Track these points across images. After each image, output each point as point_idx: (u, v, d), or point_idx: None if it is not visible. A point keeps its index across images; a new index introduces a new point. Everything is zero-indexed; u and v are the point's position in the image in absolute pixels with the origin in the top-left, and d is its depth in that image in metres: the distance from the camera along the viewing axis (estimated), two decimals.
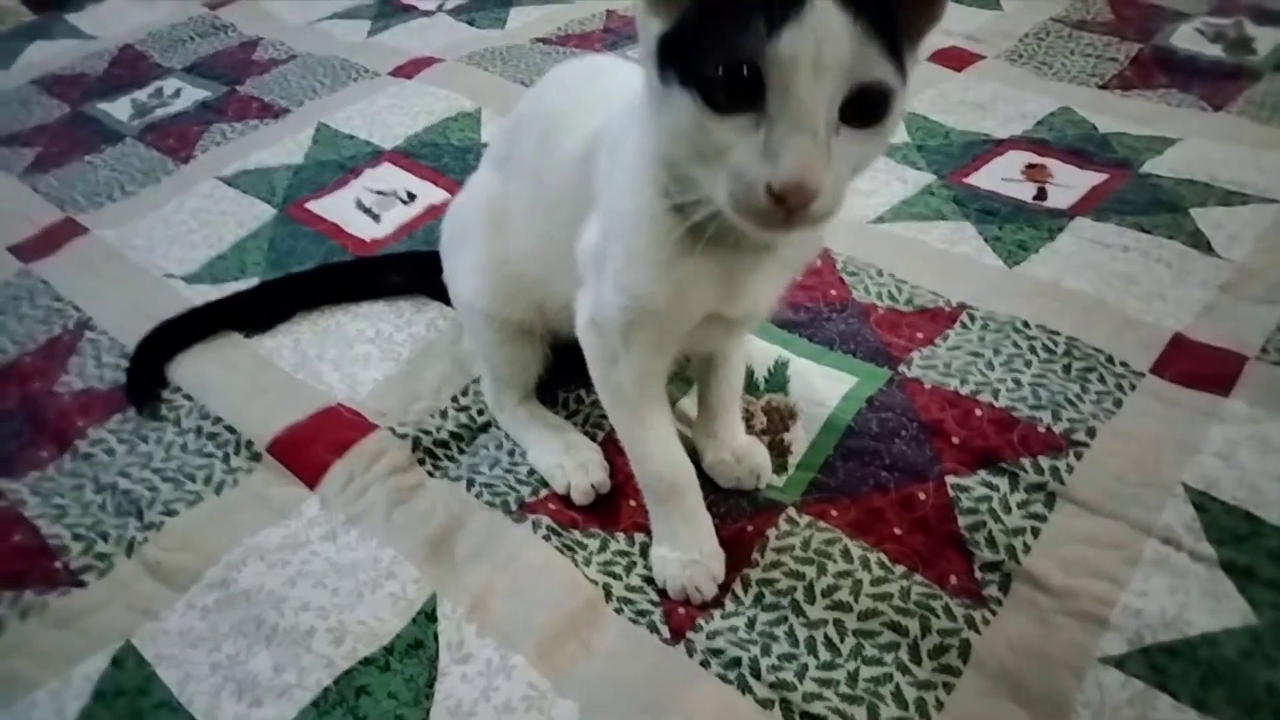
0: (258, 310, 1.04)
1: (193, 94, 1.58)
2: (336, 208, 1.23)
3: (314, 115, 1.46)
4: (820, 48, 0.47)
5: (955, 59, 1.58)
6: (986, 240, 1.13)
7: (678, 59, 0.51)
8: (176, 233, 1.22)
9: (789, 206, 0.49)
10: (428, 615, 0.73)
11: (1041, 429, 0.85)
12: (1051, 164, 1.30)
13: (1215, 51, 1.57)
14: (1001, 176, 1.28)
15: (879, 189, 1.25)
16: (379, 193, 1.26)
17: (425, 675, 0.69)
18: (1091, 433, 0.84)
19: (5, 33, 1.84)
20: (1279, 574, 0.72)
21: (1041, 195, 1.23)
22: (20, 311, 1.09)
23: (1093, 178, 1.26)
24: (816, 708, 0.66)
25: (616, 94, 0.68)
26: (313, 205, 1.24)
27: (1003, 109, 1.45)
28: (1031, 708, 0.65)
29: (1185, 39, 1.61)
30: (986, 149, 1.34)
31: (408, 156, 1.33)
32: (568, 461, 0.83)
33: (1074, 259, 1.09)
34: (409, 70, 1.57)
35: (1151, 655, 0.68)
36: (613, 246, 0.65)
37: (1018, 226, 1.15)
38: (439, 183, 1.27)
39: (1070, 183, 1.26)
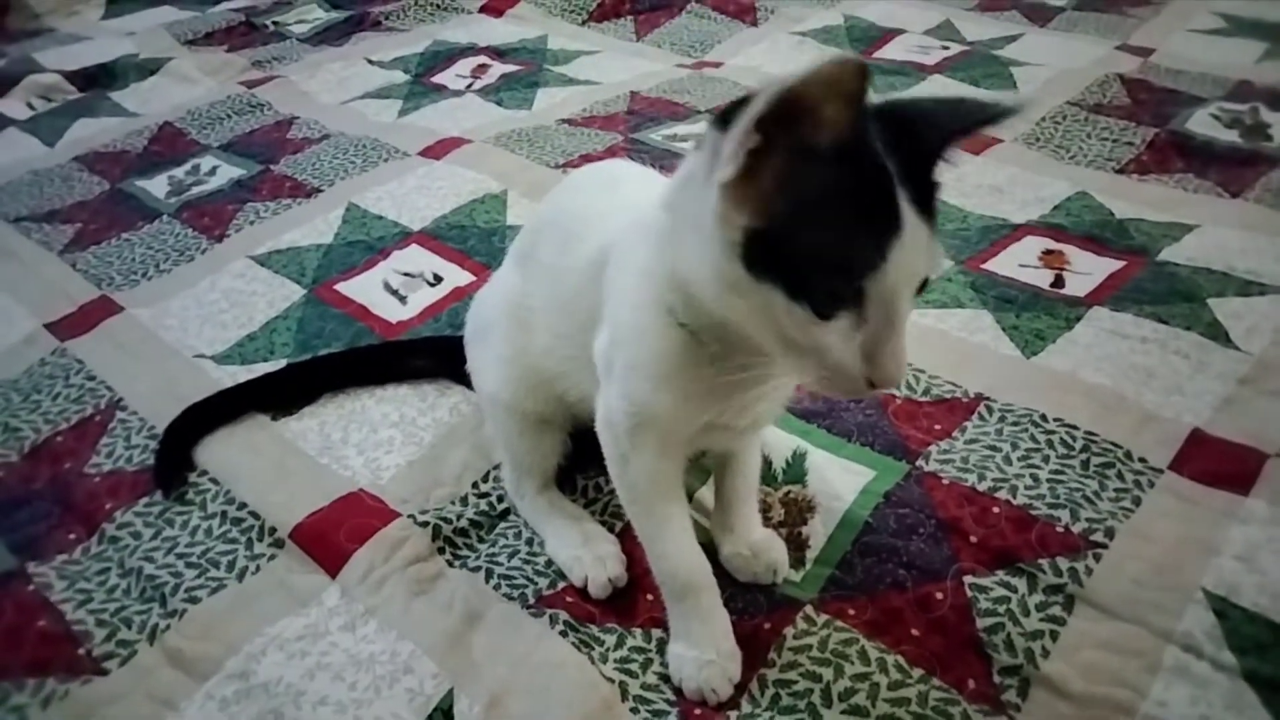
0: (285, 392, 1.07)
1: (228, 172, 1.62)
2: (364, 289, 1.26)
3: (345, 195, 1.50)
4: (915, 264, 0.53)
5: (973, 143, 1.61)
6: (1004, 329, 1.14)
7: (769, 258, 0.54)
8: (209, 312, 1.25)
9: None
10: (444, 712, 0.74)
11: (1060, 528, 0.85)
12: (1069, 250, 1.32)
13: (1232, 137, 1.59)
14: (1019, 263, 1.29)
15: None
16: (406, 274, 1.29)
17: None
18: (1110, 533, 0.84)
19: (54, 110, 1.91)
20: None
21: (1059, 282, 1.25)
22: (55, 390, 1.12)
23: (1110, 265, 1.27)
24: None
25: (631, 205, 0.71)
26: (341, 286, 1.27)
27: (1020, 193, 1.47)
28: None
29: (1201, 124, 1.63)
30: (1004, 234, 1.36)
31: (435, 238, 1.36)
32: (585, 554, 0.84)
33: (1092, 350, 1.09)
34: (438, 151, 1.61)
35: None
36: (618, 354, 0.67)
37: (1035, 315, 1.16)
38: (465, 265, 1.30)
39: (1087, 269, 1.27)
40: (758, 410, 0.71)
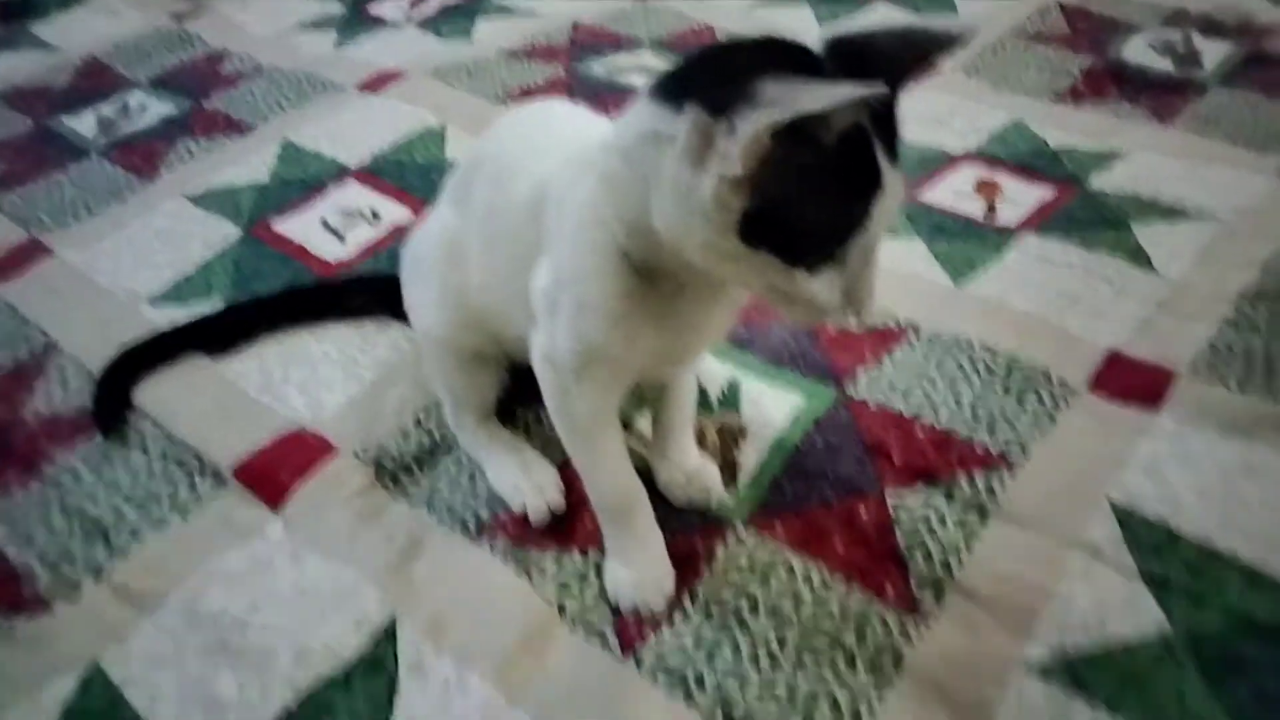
0: (223, 333, 1.07)
1: (159, 109, 1.59)
2: (302, 228, 1.26)
3: (280, 131, 1.48)
4: (893, 210, 0.58)
5: None
6: (936, 257, 1.17)
7: (763, 231, 0.56)
8: (142, 253, 1.24)
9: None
10: (388, 634, 0.76)
11: (979, 448, 0.89)
12: (1003, 179, 1.34)
13: (1165, 65, 1.61)
14: (954, 191, 1.32)
15: None
16: (345, 212, 1.28)
17: (385, 693, 0.72)
18: (1025, 450, 0.88)
19: None
20: (1194, 584, 0.76)
21: (991, 212, 1.27)
22: None
23: (1042, 193, 1.30)
24: (757, 719, 0.69)
25: (565, 142, 0.72)
26: (278, 226, 1.26)
27: (959, 123, 1.48)
28: (958, 714, 0.69)
29: (1136, 52, 1.65)
30: (941, 164, 1.38)
31: (373, 175, 1.35)
32: (524, 482, 0.86)
33: (1020, 277, 1.13)
34: (376, 84, 1.59)
35: (1072, 664, 0.72)
36: (564, 295, 0.68)
37: (967, 243, 1.19)
38: (404, 201, 1.30)
39: (1019, 199, 1.29)
40: (704, 338, 0.73)
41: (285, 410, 0.98)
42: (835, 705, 0.70)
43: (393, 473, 0.91)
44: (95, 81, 1.69)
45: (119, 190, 1.38)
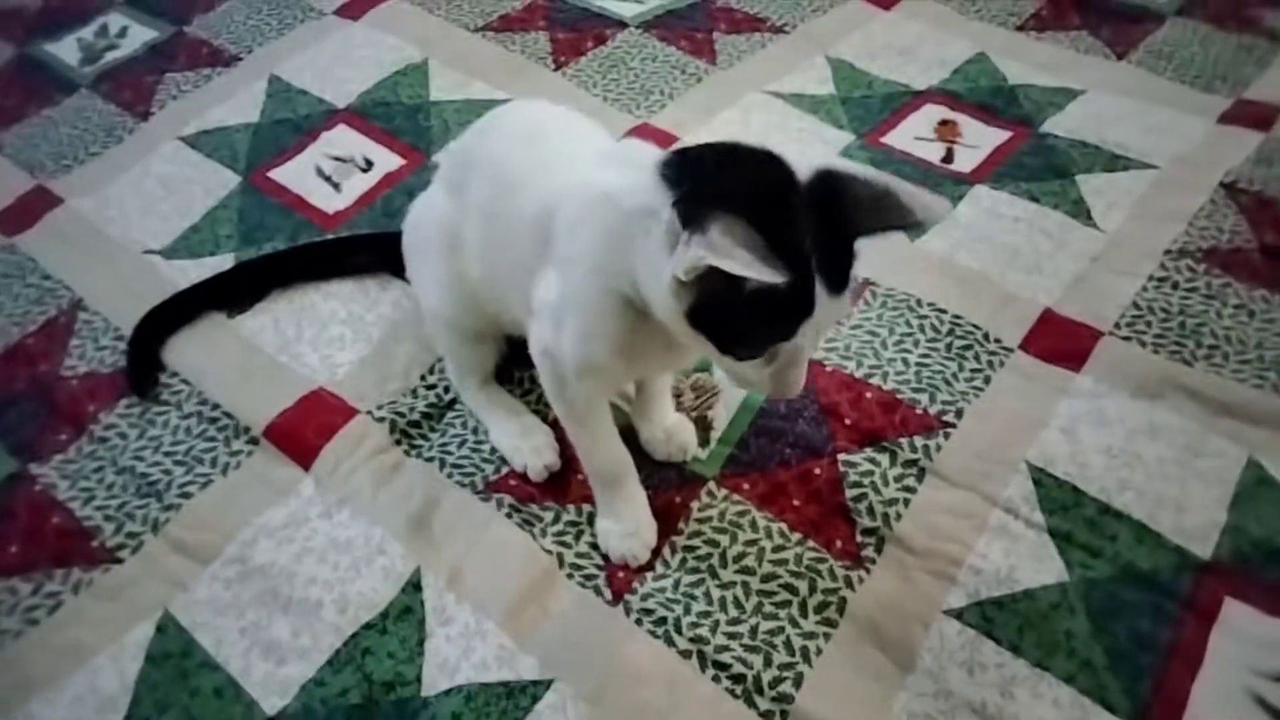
0: (238, 291, 1.16)
1: (140, 33, 1.60)
2: (299, 176, 1.32)
3: (265, 65, 1.51)
4: (823, 330, 0.68)
5: None
6: None
7: (704, 319, 0.67)
8: (147, 202, 1.30)
9: None
10: (414, 585, 0.90)
11: (919, 410, 1.02)
12: (962, 120, 1.42)
13: None
14: (915, 135, 1.40)
15: (804, 150, 1.36)
16: (337, 159, 1.34)
17: (416, 636, 0.87)
18: (960, 413, 1.01)
19: None
20: (1091, 538, 0.91)
21: (949, 157, 1.36)
22: (14, 290, 1.19)
23: (997, 136, 1.39)
24: (725, 657, 0.84)
25: (564, 161, 0.81)
26: (275, 174, 1.33)
27: (925, 53, 1.55)
28: (889, 652, 0.85)
29: None
30: (905, 101, 1.45)
31: (361, 117, 1.41)
32: (524, 444, 0.99)
33: (969, 231, 1.23)
34: (354, 9, 1.61)
35: (984, 608, 0.87)
36: (569, 317, 0.78)
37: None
38: (394, 147, 1.36)
39: (976, 142, 1.38)
40: (691, 357, 0.85)
41: (302, 370, 1.09)
42: (789, 645, 0.85)
43: (405, 430, 1.03)
44: (69, 1, 1.68)
45: (114, 129, 1.42)
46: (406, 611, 0.88)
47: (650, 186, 0.68)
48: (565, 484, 0.98)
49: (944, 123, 1.42)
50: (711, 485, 0.97)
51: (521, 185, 0.84)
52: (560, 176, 0.81)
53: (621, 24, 1.58)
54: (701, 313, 0.67)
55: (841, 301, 0.67)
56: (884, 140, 1.38)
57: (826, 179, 0.67)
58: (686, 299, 0.66)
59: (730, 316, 0.66)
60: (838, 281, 0.66)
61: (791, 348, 0.68)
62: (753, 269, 0.59)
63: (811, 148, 1.36)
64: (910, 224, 0.68)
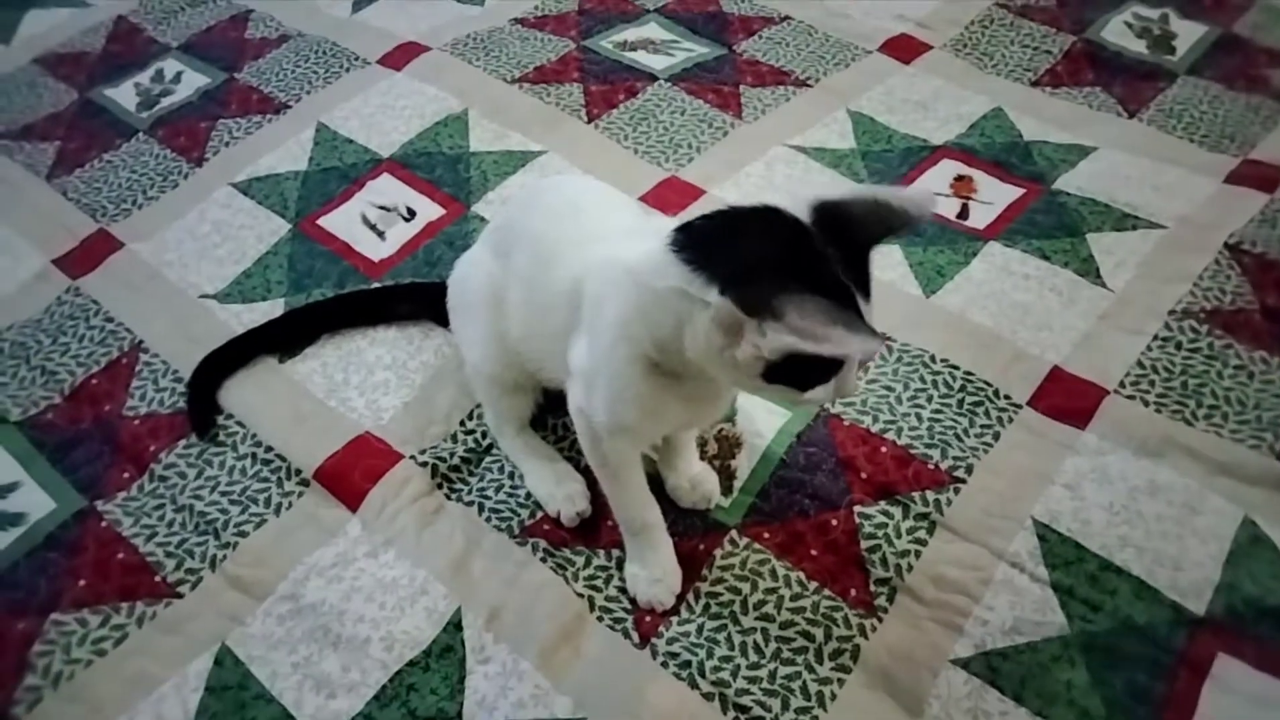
0: (289, 335, 1.23)
1: (193, 79, 1.69)
2: (345, 225, 1.39)
3: (312, 113, 1.59)
4: None
5: (905, 49, 1.73)
6: (911, 266, 1.32)
7: (777, 373, 0.73)
8: (203, 246, 1.38)
9: None
10: (455, 625, 0.97)
11: (931, 465, 1.08)
12: (977, 176, 1.48)
13: (1140, 48, 1.72)
14: (933, 190, 1.46)
15: (790, 192, 1.42)
16: (382, 208, 1.42)
17: (457, 674, 0.93)
18: (970, 469, 1.07)
19: None
20: (1092, 593, 0.96)
21: (964, 213, 1.42)
22: (78, 332, 1.27)
23: (1010, 193, 1.45)
24: (745, 700, 0.90)
25: (595, 238, 0.88)
26: (324, 221, 1.40)
27: (943, 108, 1.61)
28: (899, 698, 0.90)
29: (1115, 32, 1.75)
30: (923, 157, 1.51)
31: (404, 167, 1.48)
32: (558, 492, 1.05)
33: (982, 288, 1.28)
34: (397, 59, 1.69)
35: (989, 658, 0.93)
36: (600, 382, 0.85)
37: (940, 249, 1.34)
38: (435, 197, 1.43)
39: (991, 198, 1.44)
40: (719, 406, 0.92)
41: (350, 414, 1.16)
42: (805, 690, 0.91)
43: (445, 474, 1.10)
44: (128, 46, 1.77)
45: (169, 173, 1.50)
46: (448, 650, 0.95)
47: (674, 271, 0.75)
48: (597, 529, 1.04)
49: (959, 178, 1.48)
50: (734, 533, 1.03)
51: (556, 259, 0.91)
52: (589, 251, 0.88)
53: (652, 77, 1.65)
54: (777, 370, 0.73)
55: (872, 304, 0.75)
56: None
57: (825, 210, 0.75)
58: (761, 365, 0.73)
59: (805, 363, 0.72)
60: (867, 290, 0.75)
61: (850, 367, 0.76)
62: (842, 343, 0.67)
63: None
64: (909, 223, 0.77)
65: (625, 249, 0.82)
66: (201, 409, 1.16)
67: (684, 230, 0.78)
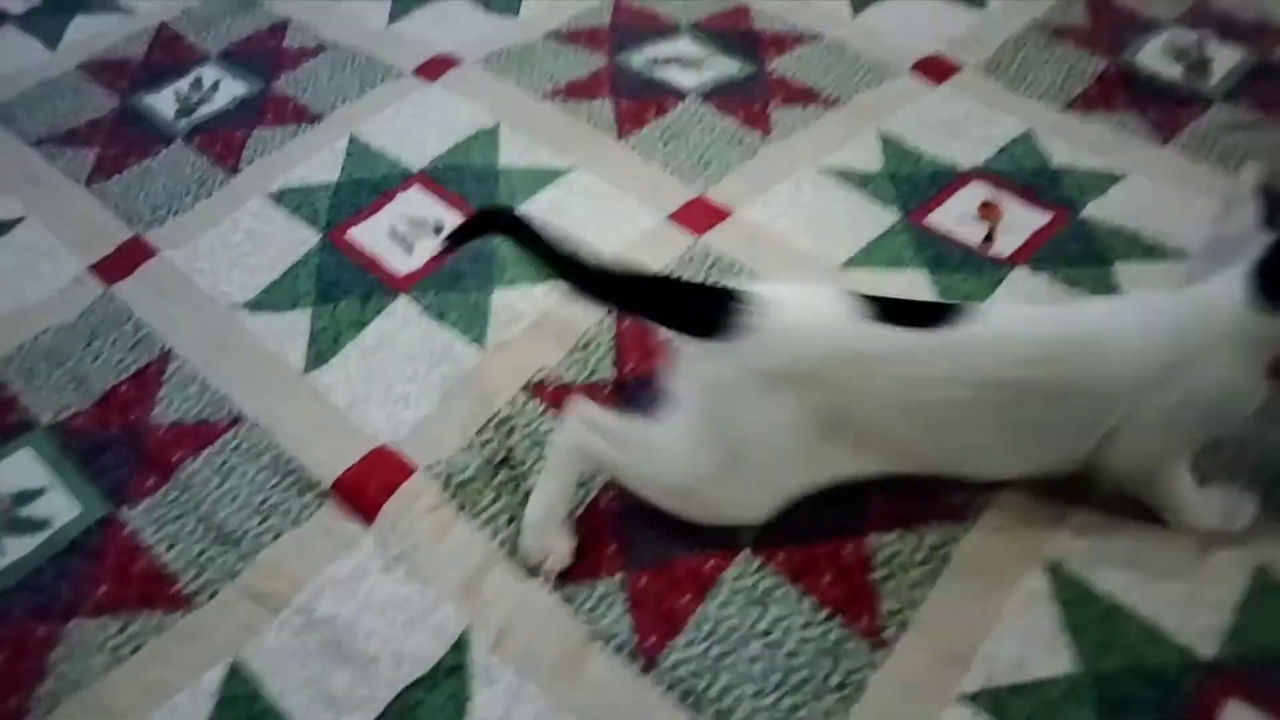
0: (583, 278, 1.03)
1: (231, 88, 1.72)
2: (374, 237, 1.41)
3: (345, 124, 1.61)
4: None
5: (936, 70, 1.71)
6: (938, 292, 1.31)
7: None
8: (235, 255, 1.40)
9: None
10: (462, 645, 0.97)
11: (946, 499, 1.07)
12: (1005, 200, 1.47)
13: (1175, 73, 1.69)
14: (959, 214, 1.45)
15: (854, 225, 1.42)
16: (412, 221, 1.43)
17: (462, 694, 0.94)
18: (982, 506, 1.06)
19: (46, 4, 1.95)
20: (1102, 631, 0.96)
21: (990, 239, 1.41)
22: (111, 338, 1.29)
23: (1038, 219, 1.43)
24: None
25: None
26: (353, 233, 1.42)
27: (973, 130, 1.59)
28: None
29: (1150, 56, 1.73)
30: (951, 180, 1.50)
31: (434, 180, 1.50)
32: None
33: None
34: (430, 71, 1.71)
35: (998, 694, 0.92)
36: None
37: (966, 276, 1.34)
38: (464, 211, 1.45)
39: (1017, 224, 1.43)
40: None
41: (368, 426, 1.17)
42: None
43: (457, 489, 1.10)
44: (169, 53, 1.80)
45: (205, 181, 1.53)
46: (455, 670, 0.96)
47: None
48: (596, 559, 1.04)
49: (986, 204, 1.47)
50: (748, 552, 1.03)
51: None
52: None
53: (681, 94, 1.65)
54: None
55: None
56: (927, 220, 1.43)
57: None
58: None
59: None
60: None
61: None
62: None
63: (860, 225, 1.42)
64: None
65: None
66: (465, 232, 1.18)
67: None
